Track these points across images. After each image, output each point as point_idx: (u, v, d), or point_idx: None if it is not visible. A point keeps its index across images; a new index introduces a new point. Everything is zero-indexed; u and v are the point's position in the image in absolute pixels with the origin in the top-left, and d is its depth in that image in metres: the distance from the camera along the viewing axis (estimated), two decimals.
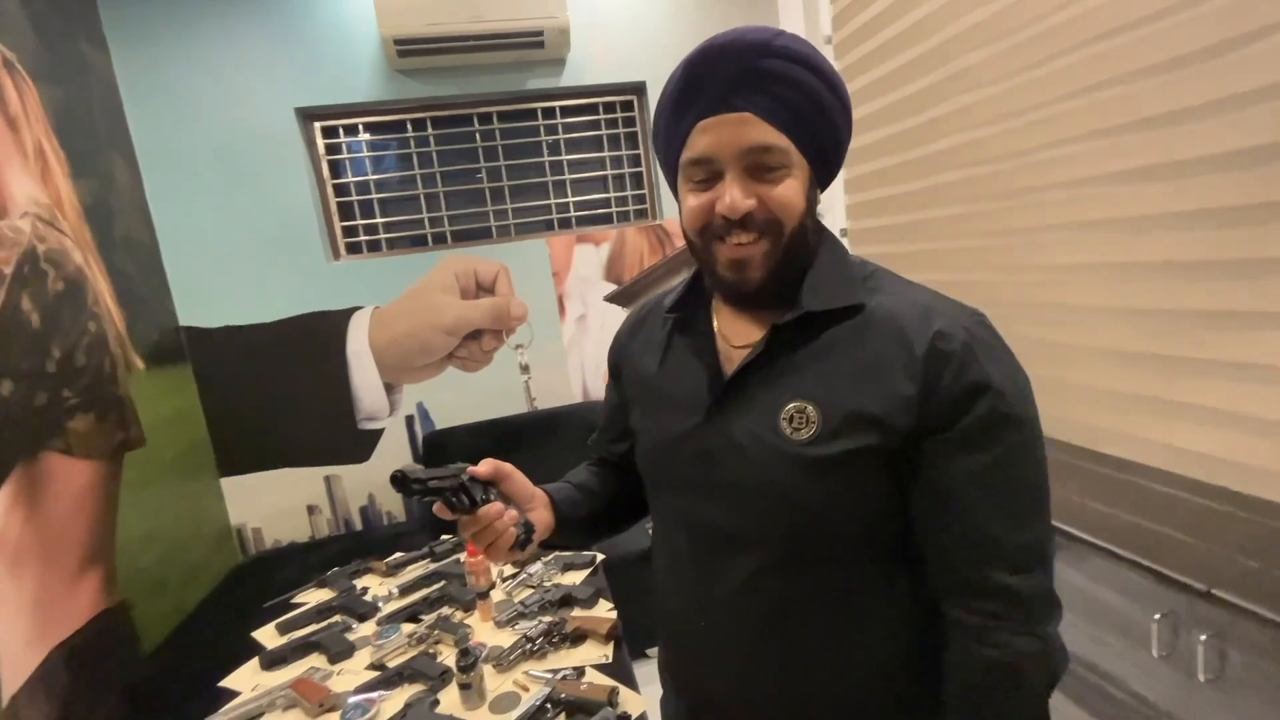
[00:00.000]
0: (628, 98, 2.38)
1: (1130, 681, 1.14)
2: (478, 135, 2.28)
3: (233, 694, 1.19)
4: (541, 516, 0.76)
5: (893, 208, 1.81)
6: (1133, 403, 1.18)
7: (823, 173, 0.67)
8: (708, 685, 0.74)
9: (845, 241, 2.09)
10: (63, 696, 1.33)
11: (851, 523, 0.64)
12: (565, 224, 2.39)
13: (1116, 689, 1.16)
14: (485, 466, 0.72)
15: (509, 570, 1.58)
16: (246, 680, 1.24)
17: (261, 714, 1.13)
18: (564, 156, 2.36)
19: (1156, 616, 1.03)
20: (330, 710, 1.12)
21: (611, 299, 2.37)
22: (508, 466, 0.74)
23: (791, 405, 0.64)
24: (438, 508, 0.67)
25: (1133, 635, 1.11)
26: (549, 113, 2.32)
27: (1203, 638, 0.97)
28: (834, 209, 2.14)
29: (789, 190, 0.63)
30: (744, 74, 0.61)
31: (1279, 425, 0.96)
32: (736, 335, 0.71)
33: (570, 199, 2.39)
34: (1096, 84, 1.14)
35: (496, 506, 0.69)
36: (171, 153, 1.96)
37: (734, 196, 0.61)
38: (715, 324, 0.73)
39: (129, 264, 1.83)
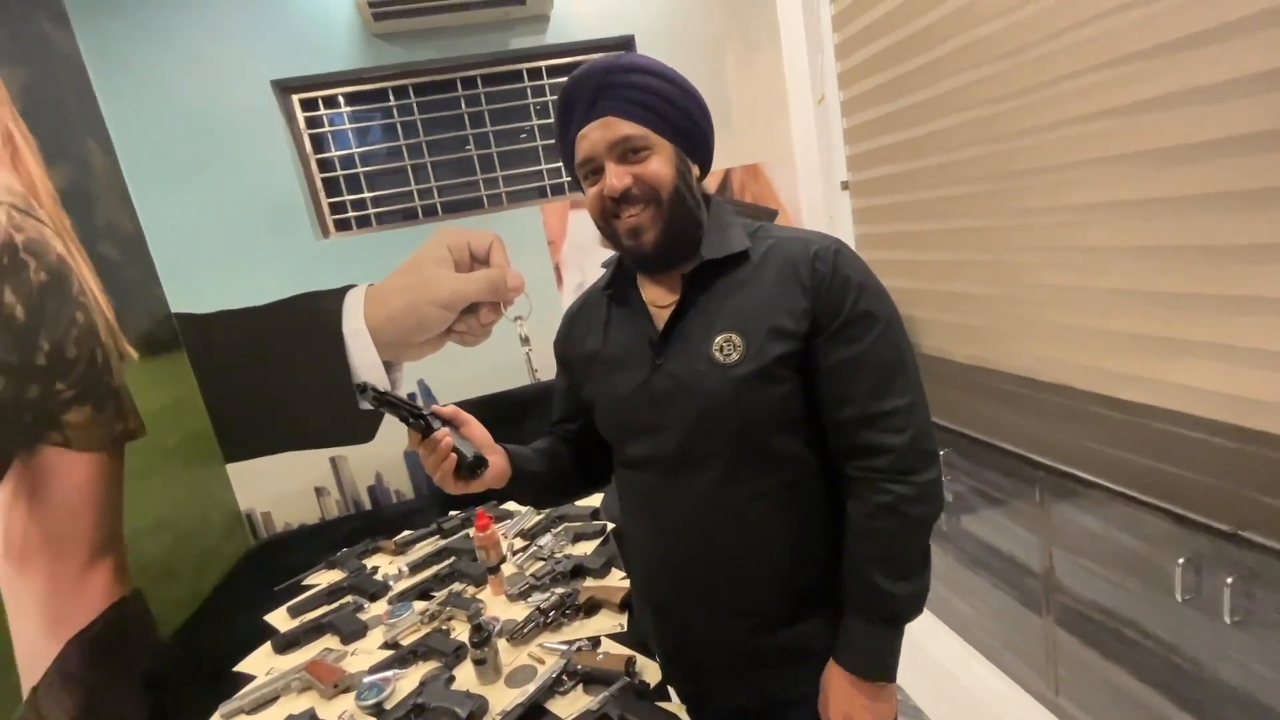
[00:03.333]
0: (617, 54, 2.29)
1: (1153, 627, 1.12)
2: (462, 101, 2.20)
3: (248, 678, 1.19)
4: (497, 463, 0.89)
5: (895, 156, 1.74)
6: (1148, 344, 1.13)
7: (690, 149, 0.85)
8: (691, 594, 0.86)
9: (846, 194, 2.05)
10: (84, 687, 1.33)
11: (781, 422, 0.80)
12: (558, 190, 2.32)
13: (1139, 635, 1.15)
14: (448, 409, 0.87)
15: (519, 543, 1.57)
16: (260, 664, 1.23)
17: (276, 697, 1.12)
18: (553, 120, 2.27)
19: (1180, 561, 1.01)
20: (345, 691, 1.11)
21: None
22: (467, 415, 0.89)
23: (720, 337, 0.80)
24: (411, 437, 0.82)
25: (1154, 581, 1.09)
26: (535, 74, 2.24)
27: (1229, 580, 0.94)
28: (834, 161, 2.07)
29: (656, 165, 0.80)
30: (600, 89, 0.81)
31: None
32: (661, 298, 0.87)
33: (561, 164, 2.31)
34: (1108, 10, 1.07)
35: (445, 431, 0.83)
36: (147, 135, 1.89)
37: (612, 180, 0.80)
38: (643, 295, 0.90)
39: (113, 251, 1.78)
